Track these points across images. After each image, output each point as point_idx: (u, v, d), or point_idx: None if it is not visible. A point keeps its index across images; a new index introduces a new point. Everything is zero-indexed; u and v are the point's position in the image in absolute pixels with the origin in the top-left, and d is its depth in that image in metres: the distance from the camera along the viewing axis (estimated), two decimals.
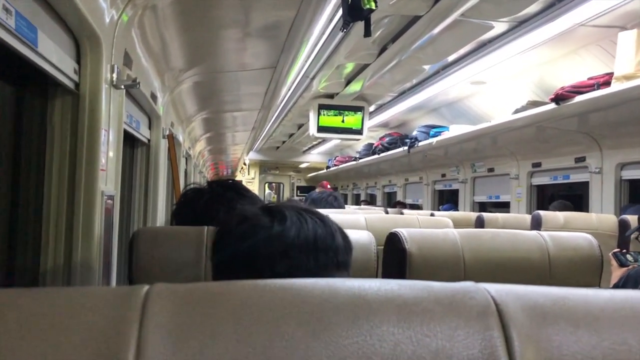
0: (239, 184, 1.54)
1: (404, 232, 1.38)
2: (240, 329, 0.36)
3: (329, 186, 9.39)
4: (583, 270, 1.38)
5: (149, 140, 2.87)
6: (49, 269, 1.46)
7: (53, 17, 1.30)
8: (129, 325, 0.36)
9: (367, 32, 1.88)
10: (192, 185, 1.55)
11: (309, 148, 11.63)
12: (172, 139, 3.03)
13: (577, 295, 0.43)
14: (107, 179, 1.62)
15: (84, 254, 1.47)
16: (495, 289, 0.42)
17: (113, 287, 0.41)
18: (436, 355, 0.36)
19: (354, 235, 1.39)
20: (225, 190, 1.47)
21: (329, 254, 0.78)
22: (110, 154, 1.64)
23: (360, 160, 8.32)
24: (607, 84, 3.09)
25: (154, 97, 2.60)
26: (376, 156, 7.36)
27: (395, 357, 0.36)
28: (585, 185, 4.22)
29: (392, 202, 8.45)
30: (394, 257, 1.39)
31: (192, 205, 1.46)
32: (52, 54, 1.27)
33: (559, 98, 3.34)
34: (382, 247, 1.43)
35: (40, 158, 1.47)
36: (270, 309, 0.38)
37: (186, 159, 4.94)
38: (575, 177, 4.35)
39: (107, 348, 0.35)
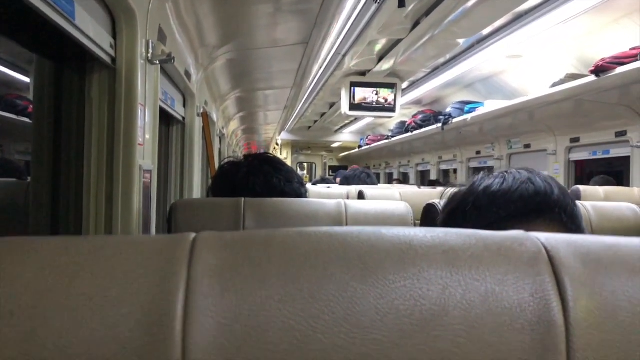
0: (275, 157, 1.54)
1: (441, 203, 1.36)
2: (287, 272, 0.36)
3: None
4: None
5: (183, 118, 2.90)
6: None
7: None
8: (178, 269, 0.36)
9: (402, 2, 1.85)
10: (228, 159, 1.56)
11: (341, 127, 11.59)
12: (206, 117, 3.05)
13: (632, 242, 0.41)
14: (145, 153, 1.64)
15: (124, 227, 1.50)
16: (546, 237, 0.41)
17: (160, 235, 0.42)
18: (486, 298, 0.36)
19: (391, 206, 1.38)
20: (262, 163, 1.48)
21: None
22: (147, 129, 1.66)
23: (393, 139, 8.25)
24: None
25: (188, 74, 2.62)
26: (409, 134, 7.29)
27: (444, 300, 0.35)
28: (625, 161, 4.10)
29: (425, 180, 8.38)
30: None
31: (229, 178, 1.47)
32: (89, 27, 1.28)
33: (599, 70, 3.24)
34: (418, 222, 1.42)
35: (80, 132, 1.49)
36: (317, 253, 0.38)
37: (220, 138, 4.98)
38: (616, 152, 4.23)
39: (157, 290, 0.35)
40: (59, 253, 0.38)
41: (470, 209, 0.85)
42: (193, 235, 0.40)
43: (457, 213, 0.88)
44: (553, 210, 0.80)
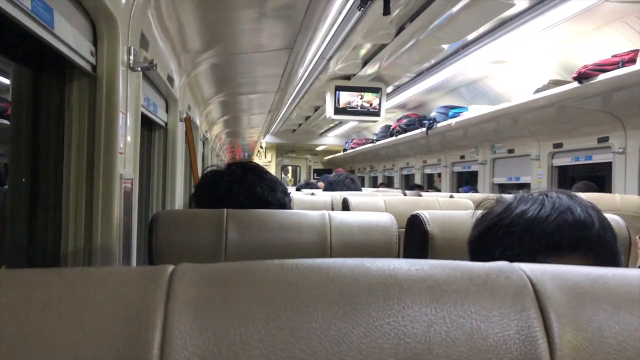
0: (258, 166, 1.53)
1: (425, 214, 1.36)
2: (268, 309, 0.35)
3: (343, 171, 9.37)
4: None
5: (166, 124, 2.86)
6: (70, 251, 1.47)
7: None
8: (155, 305, 0.35)
9: (387, 10, 1.85)
10: (211, 167, 1.54)
11: (326, 130, 11.59)
12: (189, 122, 3.02)
13: (617, 275, 0.41)
14: (126, 161, 1.61)
15: (103, 236, 1.48)
16: (531, 268, 0.40)
17: (138, 267, 0.40)
18: (471, 336, 0.35)
19: (375, 217, 1.37)
20: (245, 172, 1.46)
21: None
22: (129, 136, 1.63)
23: (378, 143, 8.26)
24: (632, 61, 3.01)
25: (170, 79, 2.59)
26: (394, 138, 7.30)
27: (429, 338, 0.34)
28: (607, 166, 4.15)
29: (409, 184, 8.40)
30: (416, 240, 1.37)
31: (211, 188, 1.45)
32: (69, 35, 1.26)
33: (581, 77, 3.27)
34: (402, 229, 1.41)
35: (59, 141, 1.47)
36: (299, 289, 0.36)
37: (203, 142, 4.94)
38: (598, 158, 4.27)
39: (133, 327, 0.34)
40: (36, 287, 0.37)
41: (503, 233, 0.81)
42: (171, 267, 0.39)
43: (489, 235, 0.84)
44: (590, 247, 0.76)
